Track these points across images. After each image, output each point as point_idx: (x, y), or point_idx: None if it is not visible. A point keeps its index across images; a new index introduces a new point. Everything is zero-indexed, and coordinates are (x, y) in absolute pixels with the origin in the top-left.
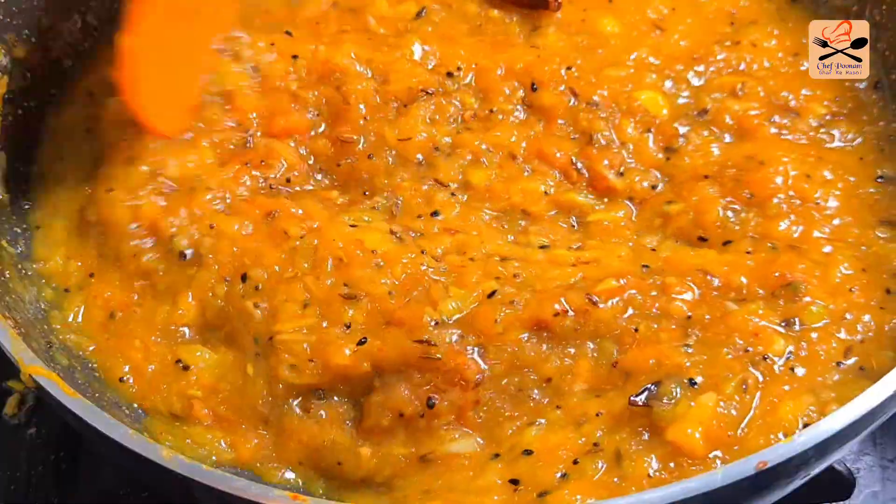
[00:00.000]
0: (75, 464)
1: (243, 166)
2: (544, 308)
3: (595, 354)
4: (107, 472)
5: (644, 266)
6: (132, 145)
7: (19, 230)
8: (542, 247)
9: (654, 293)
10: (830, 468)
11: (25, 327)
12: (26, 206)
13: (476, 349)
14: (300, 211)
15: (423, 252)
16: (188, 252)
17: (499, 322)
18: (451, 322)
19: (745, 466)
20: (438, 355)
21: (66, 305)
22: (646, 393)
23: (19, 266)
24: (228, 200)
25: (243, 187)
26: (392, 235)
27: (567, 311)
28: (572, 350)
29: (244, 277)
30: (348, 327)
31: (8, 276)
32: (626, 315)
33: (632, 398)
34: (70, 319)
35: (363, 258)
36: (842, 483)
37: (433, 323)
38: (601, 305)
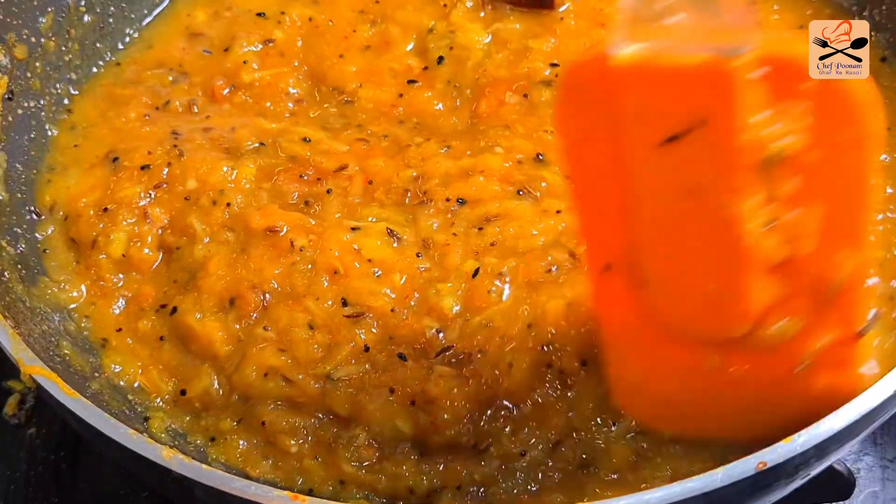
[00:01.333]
0: (75, 464)
1: (290, 175)
2: (533, 269)
3: None
4: (107, 472)
5: None
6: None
7: (19, 230)
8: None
9: None
10: (830, 468)
11: (25, 327)
12: (31, 216)
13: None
14: (313, 221)
15: (417, 255)
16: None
17: (493, 293)
18: (454, 314)
19: (745, 466)
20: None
21: (72, 322)
22: None
23: (19, 266)
24: (240, 204)
25: (266, 193)
26: (390, 236)
27: (552, 269)
28: None
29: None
30: (367, 350)
31: (7, 276)
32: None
33: None
34: (74, 329)
35: (361, 269)
36: (842, 483)
37: (435, 331)
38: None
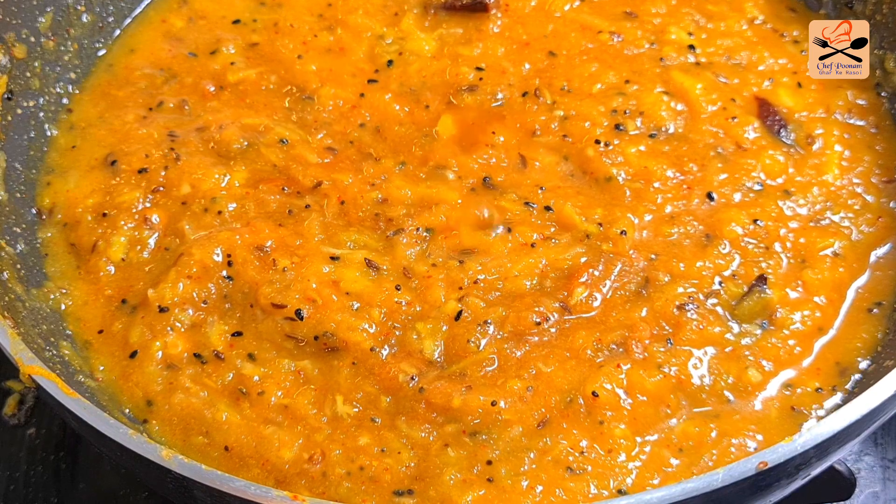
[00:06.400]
0: (75, 464)
1: (272, 186)
2: (523, 321)
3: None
4: (107, 472)
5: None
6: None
7: (18, 230)
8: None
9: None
10: (831, 468)
11: (25, 327)
12: (31, 217)
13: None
14: (299, 241)
15: (397, 288)
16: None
17: (473, 344)
18: (437, 361)
19: (745, 466)
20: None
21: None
22: None
23: (18, 266)
24: (231, 210)
25: (254, 203)
26: (369, 268)
27: (547, 319)
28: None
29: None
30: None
31: (7, 276)
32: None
33: None
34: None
35: (338, 302)
36: (842, 483)
37: (412, 379)
38: (575, 314)
